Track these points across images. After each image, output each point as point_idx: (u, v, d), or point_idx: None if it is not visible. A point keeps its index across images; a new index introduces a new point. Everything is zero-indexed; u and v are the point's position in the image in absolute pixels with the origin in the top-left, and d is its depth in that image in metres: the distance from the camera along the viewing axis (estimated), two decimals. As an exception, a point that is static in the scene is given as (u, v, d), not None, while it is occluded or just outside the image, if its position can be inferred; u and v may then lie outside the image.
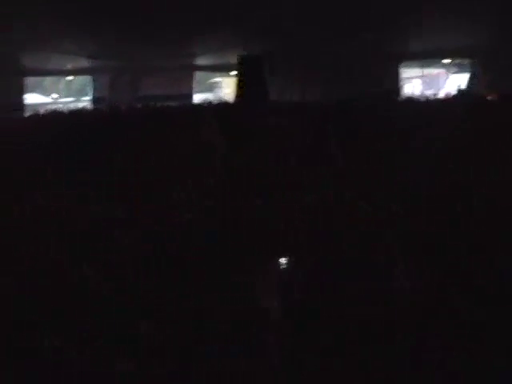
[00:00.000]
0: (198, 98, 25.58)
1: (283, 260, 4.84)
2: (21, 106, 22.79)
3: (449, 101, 16.13)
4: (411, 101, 17.41)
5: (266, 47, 19.27)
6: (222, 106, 16.54)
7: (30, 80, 26.16)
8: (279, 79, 20.31)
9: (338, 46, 19.34)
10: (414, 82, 31.60)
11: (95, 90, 25.74)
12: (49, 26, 17.58)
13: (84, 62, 23.89)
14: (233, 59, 19.52)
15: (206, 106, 16.65)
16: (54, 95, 34.37)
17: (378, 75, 19.87)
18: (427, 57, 25.62)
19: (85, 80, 29.94)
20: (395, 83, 22.67)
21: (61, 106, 22.43)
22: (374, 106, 12.68)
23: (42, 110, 18.80)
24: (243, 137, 9.54)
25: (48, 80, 35.84)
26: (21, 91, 23.68)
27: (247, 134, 9.76)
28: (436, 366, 3.63)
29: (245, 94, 15.56)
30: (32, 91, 29.00)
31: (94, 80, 26.09)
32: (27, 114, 20.09)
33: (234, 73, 20.80)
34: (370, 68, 19.67)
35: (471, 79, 23.63)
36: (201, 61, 24.65)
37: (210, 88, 32.65)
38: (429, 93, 22.53)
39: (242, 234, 5.15)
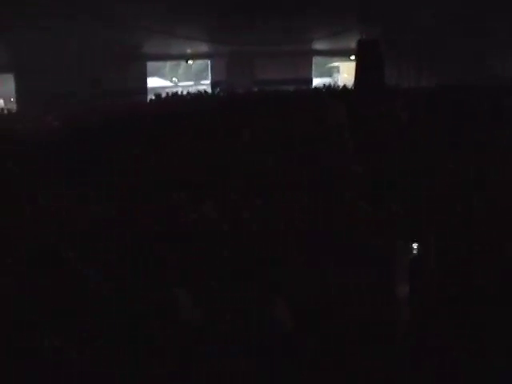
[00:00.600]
0: (316, 82, 25.61)
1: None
2: (143, 89, 23.60)
3: None
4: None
5: (384, 32, 19.04)
6: (343, 90, 16.55)
7: (151, 65, 26.95)
8: (396, 64, 20.06)
9: (454, 32, 18.83)
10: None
11: (213, 74, 26.25)
12: (169, 12, 18.10)
13: (203, 47, 24.36)
14: (351, 44, 19.45)
15: (327, 90, 16.71)
16: (174, 79, 35.34)
17: (497, 61, 19.18)
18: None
19: (203, 64, 30.59)
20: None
21: (180, 89, 23.03)
22: (496, 92, 12.35)
23: (163, 94, 19.54)
24: (365, 120, 9.59)
25: (168, 65, 36.95)
26: (143, 76, 24.42)
27: (368, 117, 9.79)
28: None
29: (362, 78, 15.48)
30: (153, 75, 29.91)
31: (212, 64, 26.60)
32: (149, 97, 20.89)
33: (353, 57, 20.73)
34: (490, 54, 19.02)
35: None
36: (319, 45, 24.60)
37: (329, 72, 32.56)
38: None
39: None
